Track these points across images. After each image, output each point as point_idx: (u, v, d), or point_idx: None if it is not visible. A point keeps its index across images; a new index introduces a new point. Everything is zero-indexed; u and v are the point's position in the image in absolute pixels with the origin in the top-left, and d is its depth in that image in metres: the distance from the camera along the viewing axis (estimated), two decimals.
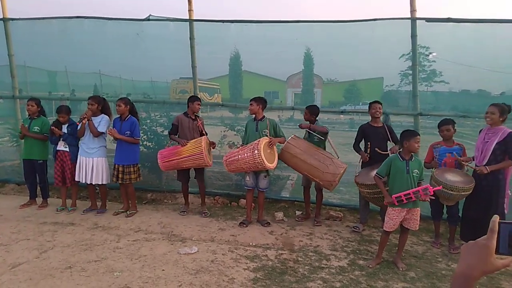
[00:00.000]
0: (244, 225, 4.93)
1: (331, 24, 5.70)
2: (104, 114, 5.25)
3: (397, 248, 4.07)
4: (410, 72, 9.78)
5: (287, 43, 6.41)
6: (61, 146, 5.25)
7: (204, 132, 5.32)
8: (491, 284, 3.59)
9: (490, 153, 3.99)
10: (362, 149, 4.97)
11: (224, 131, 6.35)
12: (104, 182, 5.24)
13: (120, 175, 5.09)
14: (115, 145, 5.23)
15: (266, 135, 4.87)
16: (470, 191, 4.11)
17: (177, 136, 5.22)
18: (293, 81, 11.13)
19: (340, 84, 11.66)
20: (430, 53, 8.70)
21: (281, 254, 4.11)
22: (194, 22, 5.57)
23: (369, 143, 4.89)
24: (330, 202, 5.68)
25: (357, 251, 4.25)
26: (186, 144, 5.00)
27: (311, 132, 4.98)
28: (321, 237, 4.62)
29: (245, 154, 4.64)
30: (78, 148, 5.28)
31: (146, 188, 6.04)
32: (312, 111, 5.09)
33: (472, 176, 4.16)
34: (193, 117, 5.25)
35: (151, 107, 6.71)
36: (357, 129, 5.11)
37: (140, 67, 7.57)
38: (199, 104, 5.25)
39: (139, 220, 5.04)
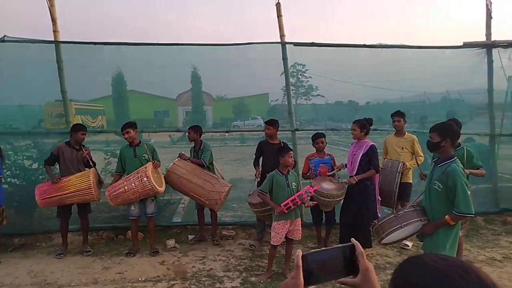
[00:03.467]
0: (132, 255, 4.67)
1: (211, 45, 5.81)
2: None
3: (285, 259, 4.28)
4: (292, 88, 10.56)
5: (172, 64, 6.37)
6: None
7: (91, 163, 4.87)
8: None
9: (357, 164, 4.50)
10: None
11: (107, 158, 5.92)
12: None
13: None
14: None
15: (147, 160, 4.71)
16: (343, 197, 4.59)
17: (52, 167, 4.74)
18: (183, 99, 11.02)
19: (229, 101, 11.98)
20: (306, 69, 9.55)
21: (173, 284, 3.95)
22: (62, 44, 5.08)
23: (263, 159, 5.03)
24: (222, 221, 5.69)
25: (249, 268, 4.33)
26: (57, 182, 4.51)
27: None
28: (214, 259, 4.59)
29: (133, 184, 4.40)
30: None
31: (12, 232, 5.16)
32: (195, 130, 5.10)
33: (344, 182, 4.64)
34: (77, 147, 4.77)
35: (17, 137, 5.87)
36: (256, 146, 5.21)
37: (4, 92, 6.60)
38: (83, 134, 4.78)
39: (2, 272, 4.28)
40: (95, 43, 5.12)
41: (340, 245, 0.94)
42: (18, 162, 5.52)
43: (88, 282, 4.04)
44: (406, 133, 5.02)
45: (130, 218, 4.80)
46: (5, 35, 4.89)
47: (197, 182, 4.75)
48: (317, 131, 5.06)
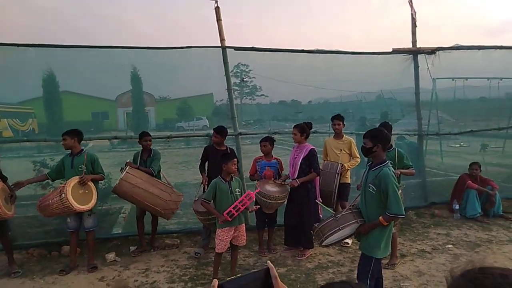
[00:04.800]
0: (65, 272, 4.38)
1: (150, 49, 5.63)
2: None
3: (230, 265, 4.27)
4: (237, 88, 10.52)
5: (108, 65, 6.09)
6: None
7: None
8: (308, 280, 4.13)
9: (298, 167, 4.62)
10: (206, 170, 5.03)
11: (36, 168, 5.47)
12: None
13: None
14: None
15: (84, 171, 4.41)
16: (285, 200, 4.69)
17: None
18: (123, 100, 10.53)
19: (172, 102, 11.67)
20: (250, 70, 9.60)
21: None
22: None
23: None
24: (166, 230, 5.55)
25: (195, 277, 4.26)
26: None
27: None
28: (158, 271, 4.44)
29: (54, 199, 4.10)
30: None
31: None
32: (150, 138, 5.01)
33: (287, 184, 4.73)
34: None
35: None
36: (203, 150, 5.17)
37: None
38: None
39: None
40: (17, 45, 4.68)
41: (256, 270, 0.97)
42: None
43: None
44: (344, 135, 5.25)
45: (68, 230, 4.51)
46: None
47: (153, 191, 4.59)
48: (264, 134, 5.11)
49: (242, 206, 3.93)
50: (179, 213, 6.18)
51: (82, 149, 4.63)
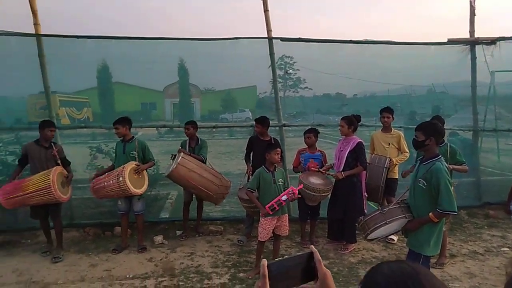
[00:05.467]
0: (117, 251, 4.66)
1: (198, 40, 5.75)
2: None
3: (273, 254, 4.32)
4: (280, 80, 10.46)
5: (159, 56, 6.31)
6: None
7: (59, 162, 4.56)
8: (351, 274, 4.08)
9: (344, 160, 4.55)
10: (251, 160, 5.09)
11: (92, 153, 5.83)
12: None
13: None
14: None
15: (135, 158, 4.65)
16: (329, 193, 4.64)
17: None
18: (170, 91, 10.90)
19: (217, 93, 11.88)
20: (294, 62, 9.52)
21: (161, 281, 3.95)
22: (47, 38, 4.94)
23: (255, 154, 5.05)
24: (210, 217, 5.71)
25: (238, 264, 4.36)
26: (12, 182, 4.37)
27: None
28: (202, 255, 4.60)
29: (111, 181, 4.37)
30: None
31: None
32: (194, 126, 5.14)
33: (332, 175, 4.68)
34: (46, 145, 4.53)
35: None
36: (247, 141, 5.23)
37: None
38: (52, 131, 4.54)
39: None
40: (77, 37, 5.00)
41: (300, 253, 0.99)
42: (0, 157, 5.41)
43: (75, 280, 4.01)
44: (393, 129, 5.08)
45: (119, 212, 4.79)
46: None
47: (207, 176, 4.80)
48: (308, 127, 5.07)
49: (284, 200, 3.95)
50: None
51: (133, 136, 4.87)
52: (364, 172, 4.70)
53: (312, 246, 1.03)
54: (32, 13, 4.84)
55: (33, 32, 4.88)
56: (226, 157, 10.34)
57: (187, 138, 5.22)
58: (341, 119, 4.68)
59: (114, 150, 5.02)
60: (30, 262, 4.45)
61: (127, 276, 4.09)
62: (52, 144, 4.60)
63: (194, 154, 5.06)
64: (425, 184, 3.02)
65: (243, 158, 5.28)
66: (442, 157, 3.08)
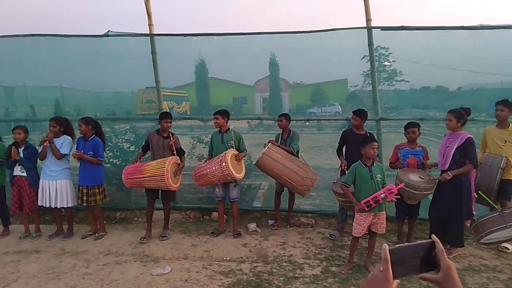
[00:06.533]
0: (215, 235, 4.98)
1: (293, 33, 5.78)
2: (67, 134, 5.07)
3: (367, 251, 4.19)
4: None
5: (251, 51, 6.50)
6: (18, 171, 5.00)
7: (175, 152, 4.94)
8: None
9: (450, 157, 4.17)
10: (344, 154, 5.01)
11: (193, 143, 6.31)
12: (69, 205, 5.04)
13: (84, 197, 4.94)
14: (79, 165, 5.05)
15: (232, 147, 4.92)
16: (432, 191, 4.32)
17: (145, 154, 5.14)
18: (261, 86, 11.22)
19: (306, 87, 11.85)
20: (390, 53, 9.00)
21: (256, 266, 4.13)
22: (156, 36, 5.48)
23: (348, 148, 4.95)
24: (301, 209, 5.76)
25: (330, 258, 4.34)
26: (134, 164, 4.91)
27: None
28: (294, 246, 4.68)
29: (213, 167, 4.67)
30: (36, 171, 5.07)
31: (115, 207, 5.86)
32: (287, 118, 5.21)
33: (436, 178, 4.33)
34: (165, 135, 4.96)
35: (116, 122, 6.55)
36: (340, 134, 5.13)
37: (105, 80, 7.40)
38: (168, 122, 4.87)
39: (108, 242, 4.90)
40: (185, 35, 5.43)
41: (420, 241, 0.95)
42: (118, 144, 6.17)
43: (179, 257, 4.41)
44: (511, 124, 4.50)
45: (216, 198, 5.11)
46: (109, 30, 5.42)
47: (291, 167, 4.88)
48: (411, 120, 4.77)
49: (381, 198, 3.79)
50: (312, 194, 6.34)
51: (229, 128, 5.14)
52: (473, 171, 4.26)
53: (433, 235, 0.99)
54: (147, 15, 5.39)
55: (148, 32, 5.43)
56: (315, 151, 10.27)
57: (281, 131, 5.32)
58: (448, 112, 4.28)
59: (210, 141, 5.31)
60: None
61: (224, 258, 4.36)
62: (170, 134, 5.01)
63: (284, 145, 5.14)
64: None
65: (334, 152, 5.19)
66: None
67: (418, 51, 6.41)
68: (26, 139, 5.09)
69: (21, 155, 4.96)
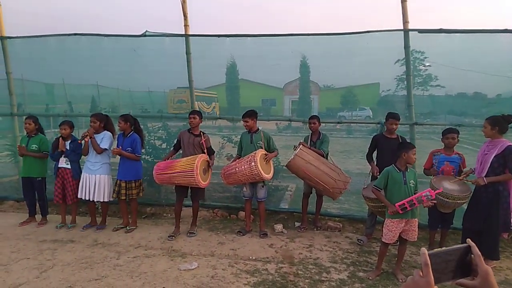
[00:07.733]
0: (241, 234, 5.02)
1: (326, 35, 5.75)
2: (107, 130, 5.27)
3: (396, 259, 4.09)
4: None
5: (282, 53, 6.51)
6: (63, 163, 5.25)
7: (205, 151, 5.01)
8: None
9: (488, 165, 4.01)
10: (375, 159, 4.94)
11: (222, 143, 6.39)
12: (106, 200, 5.23)
13: (122, 191, 5.11)
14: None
15: (261, 147, 4.94)
16: (466, 200, 4.16)
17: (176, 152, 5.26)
18: (290, 88, 11.19)
19: (336, 90, 11.69)
20: (425, 57, 8.75)
21: (281, 267, 4.12)
22: (190, 37, 5.61)
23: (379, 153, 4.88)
24: (328, 213, 5.70)
25: (357, 263, 4.27)
26: (165, 160, 5.04)
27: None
28: (321, 249, 4.63)
29: (242, 167, 4.72)
30: (79, 165, 5.31)
31: (145, 202, 6.04)
32: (319, 120, 5.21)
33: (469, 180, 4.18)
34: (196, 133, 5.05)
35: (149, 120, 6.74)
36: (371, 139, 5.07)
37: (138, 79, 7.65)
38: (190, 119, 4.99)
39: (138, 235, 5.04)
40: (219, 36, 5.52)
41: (457, 246, 0.94)
42: (150, 141, 6.34)
43: (206, 254, 4.47)
44: None
45: (243, 198, 5.15)
46: (146, 31, 5.60)
47: (324, 169, 4.85)
48: (443, 126, 4.62)
49: (417, 202, 3.69)
50: (341, 199, 6.26)
51: (258, 128, 5.17)
52: None
53: (469, 239, 0.97)
54: (183, 15, 5.53)
55: (183, 32, 5.57)
56: (343, 155, 10.13)
57: (310, 132, 5.29)
58: (486, 119, 4.13)
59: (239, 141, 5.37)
60: (171, 232, 5.12)
61: (250, 257, 4.38)
62: (201, 133, 5.09)
63: (314, 148, 5.12)
64: None
65: (363, 157, 5.10)
66: None
67: (455, 55, 6.22)
68: (71, 134, 5.33)
69: (67, 147, 5.21)
